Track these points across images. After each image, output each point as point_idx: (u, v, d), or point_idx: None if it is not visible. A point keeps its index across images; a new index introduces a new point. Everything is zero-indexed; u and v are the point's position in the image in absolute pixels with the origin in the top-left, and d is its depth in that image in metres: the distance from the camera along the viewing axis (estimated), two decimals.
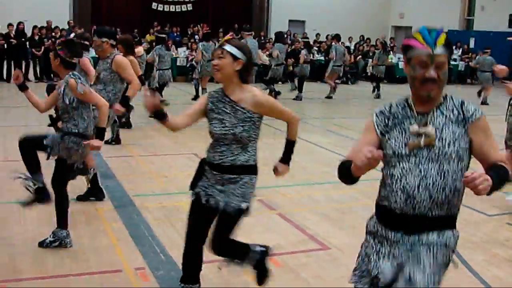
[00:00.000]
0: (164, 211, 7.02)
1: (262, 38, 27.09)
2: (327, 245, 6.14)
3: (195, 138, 11.68)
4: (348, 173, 3.15)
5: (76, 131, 5.71)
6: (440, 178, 3.02)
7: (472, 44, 28.95)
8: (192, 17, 29.09)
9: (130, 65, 7.33)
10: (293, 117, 4.61)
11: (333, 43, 20.78)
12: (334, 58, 19.25)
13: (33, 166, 5.73)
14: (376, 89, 20.13)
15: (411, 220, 3.06)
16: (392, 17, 34.77)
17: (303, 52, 19.04)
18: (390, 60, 25.11)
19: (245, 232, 6.20)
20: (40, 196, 5.77)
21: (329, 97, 19.16)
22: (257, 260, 4.68)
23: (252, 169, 4.38)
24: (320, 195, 7.99)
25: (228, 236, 4.43)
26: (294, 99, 18.28)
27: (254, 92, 4.29)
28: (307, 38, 25.93)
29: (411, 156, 3.04)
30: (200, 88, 15.87)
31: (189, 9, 29.39)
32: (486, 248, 6.27)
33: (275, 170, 4.95)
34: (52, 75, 20.92)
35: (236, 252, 4.61)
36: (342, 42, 21.42)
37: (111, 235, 6.19)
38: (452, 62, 26.90)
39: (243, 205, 4.34)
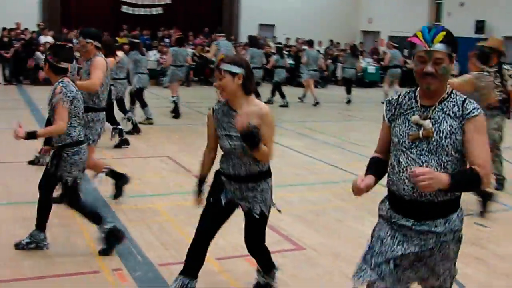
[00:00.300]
0: (139, 213, 7.05)
1: (233, 42, 27.14)
2: (301, 245, 6.23)
3: (168, 141, 11.79)
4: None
5: (70, 140, 5.58)
6: (441, 169, 3.25)
7: None
8: (162, 21, 29.06)
9: (104, 68, 7.17)
10: (269, 155, 4.47)
11: (305, 48, 20.86)
12: (307, 63, 19.25)
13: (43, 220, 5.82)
14: (348, 93, 19.91)
15: (419, 207, 3.32)
16: (361, 22, 35.05)
17: (274, 57, 19.08)
18: (360, 65, 25.34)
19: (220, 234, 6.26)
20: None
21: (316, 103, 18.95)
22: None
23: (267, 174, 4.58)
24: (294, 197, 8.07)
25: (261, 234, 4.81)
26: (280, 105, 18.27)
27: (260, 106, 4.42)
28: (280, 43, 26.07)
29: (413, 147, 3.30)
30: (175, 100, 15.32)
31: (159, 12, 29.32)
32: None
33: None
34: (22, 77, 20.77)
35: (267, 254, 4.95)
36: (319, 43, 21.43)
37: (87, 237, 6.20)
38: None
39: (265, 210, 4.63)
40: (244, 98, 4.39)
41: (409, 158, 3.30)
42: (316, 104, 18.73)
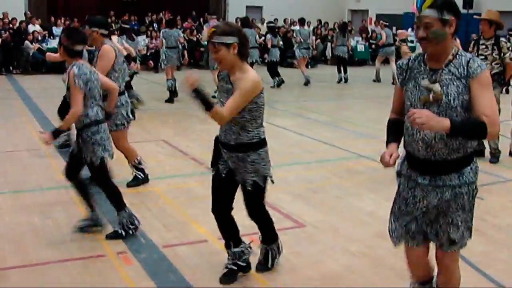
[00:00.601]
0: (140, 197, 7.09)
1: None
2: (302, 222, 6.30)
3: (162, 124, 11.81)
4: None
5: (89, 120, 5.61)
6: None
7: None
8: (150, 6, 28.95)
9: (110, 55, 7.16)
10: (226, 116, 4.32)
11: (297, 27, 20.86)
12: (299, 42, 19.30)
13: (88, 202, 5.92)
14: (339, 72, 19.94)
15: (433, 165, 3.55)
16: (349, 1, 35.02)
17: (269, 36, 19.05)
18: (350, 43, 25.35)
19: None
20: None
21: (306, 82, 18.98)
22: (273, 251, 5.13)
23: (257, 145, 4.56)
24: (291, 176, 8.13)
25: (259, 204, 4.88)
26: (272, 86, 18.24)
27: (248, 73, 4.39)
28: (272, 22, 26.01)
29: (425, 109, 3.38)
30: (170, 84, 15.29)
31: None
32: None
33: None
34: (11, 67, 20.69)
35: (268, 221, 5.07)
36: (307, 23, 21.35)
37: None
38: (410, 44, 27.22)
39: (258, 179, 4.61)
40: (240, 66, 4.41)
41: None
42: (307, 83, 18.77)
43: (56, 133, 5.56)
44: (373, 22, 31.21)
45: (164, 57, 15.15)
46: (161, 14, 27.02)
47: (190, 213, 6.53)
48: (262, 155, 4.61)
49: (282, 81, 18.12)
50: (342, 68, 19.92)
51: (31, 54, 20.75)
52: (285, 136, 10.85)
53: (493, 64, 8.60)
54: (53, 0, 28.99)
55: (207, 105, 4.16)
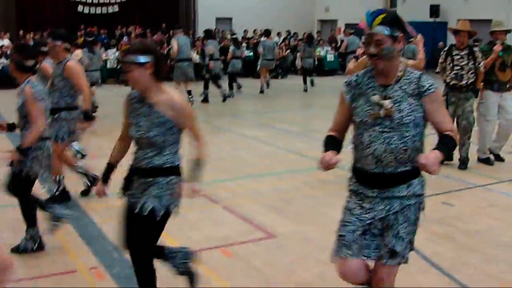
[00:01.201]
0: (111, 211, 7.02)
1: (191, 36, 27.11)
2: (274, 233, 6.31)
3: None
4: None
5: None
6: (402, 143, 3.52)
7: None
8: (119, 19, 28.84)
9: (80, 72, 7.15)
10: (201, 134, 4.32)
11: (262, 38, 21.08)
12: (262, 53, 19.57)
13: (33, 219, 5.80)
14: (304, 83, 20.34)
15: (383, 178, 3.59)
16: (318, 11, 35.23)
17: (231, 48, 19.17)
18: (318, 53, 25.52)
19: (194, 228, 6.39)
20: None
21: (261, 91, 19.35)
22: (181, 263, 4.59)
23: (169, 171, 4.16)
24: (263, 187, 8.16)
25: (149, 242, 4.25)
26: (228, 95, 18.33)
27: (171, 95, 4.10)
28: (235, 34, 26.10)
29: (376, 124, 3.53)
30: None
31: (115, 10, 29.07)
32: (425, 226, 6.51)
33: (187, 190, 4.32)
34: None
35: (150, 275, 4.40)
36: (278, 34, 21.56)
37: (60, 237, 6.18)
38: None
39: (157, 209, 4.11)
40: (155, 87, 4.05)
41: (372, 135, 3.54)
42: (261, 91, 19.37)
43: (20, 152, 5.49)
44: (342, 32, 31.48)
45: None
46: (131, 27, 26.95)
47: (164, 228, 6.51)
48: (173, 182, 4.17)
49: (229, 96, 18.18)
50: (305, 78, 20.45)
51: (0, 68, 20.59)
52: (257, 147, 10.89)
53: (469, 73, 8.70)
54: (23, 13, 28.73)
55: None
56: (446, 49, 9.02)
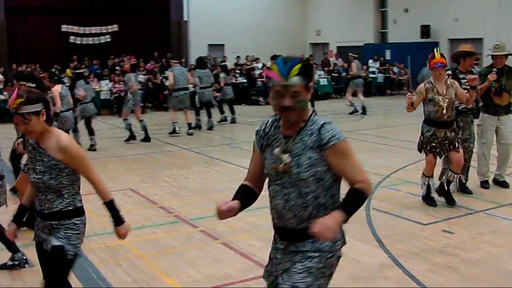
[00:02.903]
0: (109, 251, 6.97)
1: (183, 65, 27.19)
2: None
3: (128, 172, 11.69)
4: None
5: None
6: (301, 200, 3.32)
7: (388, 56, 29.79)
8: (111, 49, 28.88)
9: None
10: (96, 177, 4.22)
11: (260, 64, 21.14)
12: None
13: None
14: (312, 106, 20.33)
15: (286, 233, 3.42)
16: (309, 35, 35.40)
17: (221, 75, 19.19)
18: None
19: (193, 266, 6.31)
20: None
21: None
22: None
23: (73, 213, 4.17)
24: (262, 220, 8.05)
25: (60, 280, 4.21)
26: (218, 121, 18.37)
27: (59, 137, 4.10)
28: (224, 61, 26.21)
29: (278, 179, 3.36)
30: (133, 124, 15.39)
31: (107, 40, 29.09)
32: (426, 257, 6.49)
33: (117, 234, 4.51)
34: None
35: None
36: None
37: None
38: (371, 75, 27.62)
39: (66, 248, 4.13)
40: (47, 131, 4.11)
41: (275, 190, 3.39)
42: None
43: None
44: (334, 55, 31.61)
45: (129, 104, 15.21)
46: (124, 58, 27.01)
47: (161, 266, 6.44)
48: (79, 223, 4.20)
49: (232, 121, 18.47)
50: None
51: None
52: None
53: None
54: (15, 46, 28.79)
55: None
56: (450, 73, 8.88)
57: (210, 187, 10.05)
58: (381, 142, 14.46)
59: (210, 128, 17.30)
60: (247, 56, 29.71)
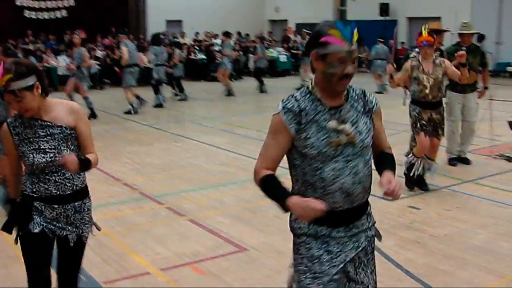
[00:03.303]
0: None
1: (142, 40, 26.85)
2: (244, 246, 6.18)
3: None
4: (277, 199, 3.02)
5: None
6: (367, 168, 3.10)
7: None
8: (68, 24, 28.29)
9: None
10: (94, 149, 3.94)
11: (218, 40, 21.00)
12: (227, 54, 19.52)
13: None
14: (261, 84, 20.45)
15: (350, 214, 3.10)
16: (268, 12, 35.26)
17: (177, 51, 18.99)
18: (270, 54, 25.55)
19: (161, 243, 6.24)
20: None
21: (230, 94, 19.35)
22: None
23: (87, 190, 3.98)
24: (228, 197, 8.03)
25: (79, 268, 4.08)
26: (179, 100, 18.25)
27: (65, 102, 3.84)
28: (177, 38, 25.95)
29: (338, 155, 3.00)
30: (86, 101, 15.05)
31: (63, 15, 28.49)
32: (394, 232, 6.53)
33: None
34: None
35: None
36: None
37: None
38: None
39: (90, 231, 4.03)
40: (47, 104, 3.71)
41: (337, 168, 3.00)
42: (230, 94, 19.41)
43: None
44: (293, 32, 31.56)
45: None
46: (75, 33, 26.52)
47: (129, 243, 6.34)
48: (91, 201, 4.02)
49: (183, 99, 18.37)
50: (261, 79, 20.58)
51: None
52: (217, 154, 10.74)
53: None
54: None
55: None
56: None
57: (173, 163, 9.95)
58: None
59: (159, 105, 17.00)
60: (206, 32, 29.45)
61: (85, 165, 3.69)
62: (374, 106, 3.17)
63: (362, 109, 3.12)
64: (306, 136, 3.00)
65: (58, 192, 3.72)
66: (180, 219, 7.11)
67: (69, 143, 3.72)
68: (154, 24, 29.98)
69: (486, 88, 9.64)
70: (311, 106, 3.03)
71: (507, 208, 7.42)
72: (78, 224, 3.85)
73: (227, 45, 20.00)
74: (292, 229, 3.21)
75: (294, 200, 2.89)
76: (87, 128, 3.83)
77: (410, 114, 8.00)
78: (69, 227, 3.83)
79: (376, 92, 18.66)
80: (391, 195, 2.97)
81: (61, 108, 3.75)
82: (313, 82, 3.09)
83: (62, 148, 3.68)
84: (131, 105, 15.64)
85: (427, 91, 7.73)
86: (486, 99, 10.15)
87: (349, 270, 3.16)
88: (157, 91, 17.05)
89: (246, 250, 6.11)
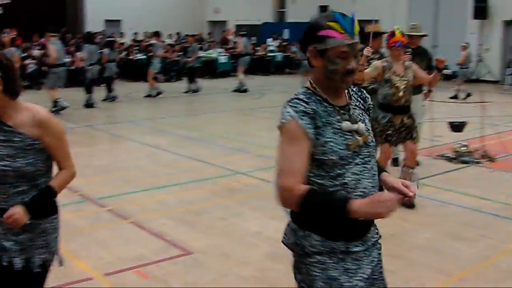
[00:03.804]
0: None
1: (80, 40, 26.34)
2: (189, 249, 6.04)
3: None
4: (335, 208, 2.62)
5: None
6: (376, 167, 2.89)
7: (286, 35, 29.97)
8: (3, 22, 27.54)
9: None
10: (73, 165, 3.46)
11: (153, 41, 20.72)
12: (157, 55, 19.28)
13: None
14: (192, 83, 20.39)
15: (365, 223, 2.77)
16: (208, 12, 35.14)
17: (105, 51, 18.66)
18: (210, 55, 25.44)
19: (104, 247, 6.05)
20: None
21: (148, 95, 19.07)
22: None
23: (51, 208, 3.40)
24: (170, 199, 7.87)
25: None
26: (104, 100, 17.89)
27: (34, 110, 3.26)
28: (111, 37, 25.53)
29: (355, 157, 2.74)
30: None
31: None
32: None
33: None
34: None
35: None
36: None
37: None
38: (270, 54, 27.74)
39: (49, 259, 3.38)
40: (12, 106, 3.20)
41: (357, 172, 2.73)
42: (149, 95, 19.16)
43: None
44: (232, 33, 31.53)
45: None
46: (4, 32, 25.83)
47: (70, 248, 6.11)
48: (55, 222, 3.41)
49: (113, 98, 18.01)
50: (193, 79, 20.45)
51: None
52: (159, 155, 10.56)
53: None
54: None
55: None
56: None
57: (114, 165, 9.73)
58: None
59: (90, 105, 16.60)
60: (145, 32, 29.11)
61: (39, 207, 3.23)
62: (370, 102, 2.99)
63: (363, 107, 2.93)
64: (324, 141, 2.69)
65: (5, 205, 3.20)
66: (123, 222, 6.93)
67: (29, 155, 3.18)
68: (93, 23, 29.53)
69: (430, 91, 9.71)
70: (320, 107, 2.73)
71: (450, 207, 7.50)
72: (25, 247, 3.27)
73: (156, 45, 19.80)
74: (299, 246, 2.79)
75: (360, 201, 2.57)
76: (57, 141, 3.29)
77: (376, 120, 7.33)
78: (11, 251, 3.25)
79: None
80: (413, 197, 2.78)
81: (27, 114, 3.22)
82: (312, 81, 2.82)
83: (22, 156, 3.17)
84: (56, 102, 15.15)
85: (400, 94, 7.23)
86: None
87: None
88: (89, 91, 16.68)
89: (191, 253, 5.97)
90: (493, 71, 23.51)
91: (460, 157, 9.90)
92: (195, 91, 20.12)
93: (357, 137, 2.75)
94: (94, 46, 17.13)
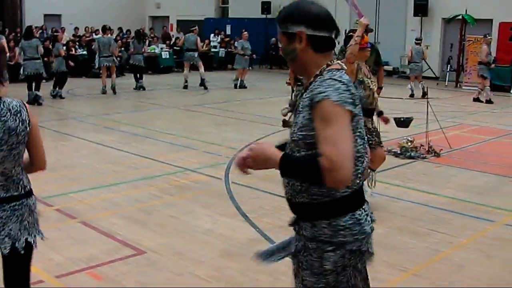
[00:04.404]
0: None
1: (18, 35, 25.74)
2: (141, 249, 5.93)
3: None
4: None
5: None
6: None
7: (228, 30, 29.91)
8: None
9: None
10: (44, 162, 3.62)
11: (95, 36, 20.39)
12: (99, 50, 18.89)
13: None
14: (136, 81, 20.07)
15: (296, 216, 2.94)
16: (149, 8, 34.79)
17: (40, 46, 18.24)
18: (152, 50, 25.19)
19: (53, 248, 5.89)
20: None
21: (104, 92, 18.71)
22: None
23: (30, 189, 3.59)
24: (119, 197, 7.73)
25: (27, 278, 3.63)
26: (53, 96, 17.51)
27: (11, 103, 3.31)
28: (57, 32, 25.03)
29: None
30: None
31: None
32: (291, 230, 6.47)
33: None
34: None
35: None
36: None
37: None
38: (213, 50, 27.63)
39: (33, 239, 3.55)
40: None
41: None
42: (103, 92, 18.80)
43: None
44: (174, 28, 31.30)
45: None
46: None
47: None
48: (34, 201, 3.58)
49: (60, 96, 17.61)
50: (138, 76, 20.05)
51: None
52: (105, 152, 10.37)
53: None
54: None
55: None
56: None
57: (60, 163, 9.50)
58: (230, 116, 14.42)
59: (33, 102, 16.09)
60: (86, 27, 28.64)
61: None
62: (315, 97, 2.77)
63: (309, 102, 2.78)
64: (360, 117, 2.69)
65: None
66: (71, 221, 6.77)
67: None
68: (31, 18, 28.84)
69: (381, 88, 9.77)
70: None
71: (400, 202, 7.60)
72: (13, 229, 3.41)
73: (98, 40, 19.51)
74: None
75: None
76: (33, 130, 3.42)
77: None
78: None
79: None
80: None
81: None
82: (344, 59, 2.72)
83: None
84: None
85: (375, 95, 6.99)
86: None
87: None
88: (29, 88, 16.32)
89: (144, 252, 5.86)
90: (433, 67, 23.93)
91: (407, 153, 10.04)
92: (143, 87, 19.86)
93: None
94: (32, 40, 16.69)
